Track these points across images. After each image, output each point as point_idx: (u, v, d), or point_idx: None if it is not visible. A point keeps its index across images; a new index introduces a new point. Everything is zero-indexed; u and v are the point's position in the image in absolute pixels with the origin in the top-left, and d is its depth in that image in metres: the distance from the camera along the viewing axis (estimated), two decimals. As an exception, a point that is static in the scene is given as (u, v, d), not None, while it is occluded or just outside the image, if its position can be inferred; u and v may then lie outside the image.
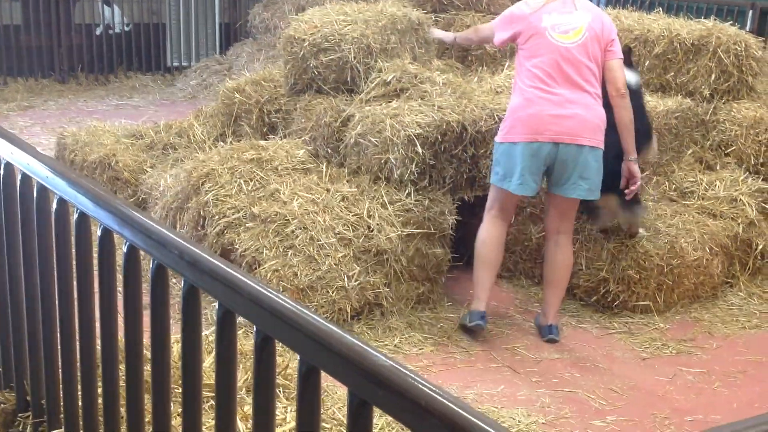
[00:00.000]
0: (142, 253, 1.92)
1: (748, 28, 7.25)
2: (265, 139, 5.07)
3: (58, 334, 2.33)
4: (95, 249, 2.09)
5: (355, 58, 4.98)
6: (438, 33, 5.16)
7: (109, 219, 1.88)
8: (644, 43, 5.34)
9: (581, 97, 3.86)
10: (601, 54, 3.91)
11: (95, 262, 2.10)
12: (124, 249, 1.89)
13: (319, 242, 4.02)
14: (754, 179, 4.90)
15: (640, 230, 4.40)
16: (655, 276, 4.33)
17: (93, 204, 1.93)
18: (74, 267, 2.18)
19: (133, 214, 1.84)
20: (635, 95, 4.11)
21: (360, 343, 1.39)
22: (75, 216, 2.12)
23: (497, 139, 4.02)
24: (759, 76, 5.39)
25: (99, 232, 2.02)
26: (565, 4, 3.92)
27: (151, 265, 1.83)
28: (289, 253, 3.95)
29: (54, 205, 2.21)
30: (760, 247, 4.74)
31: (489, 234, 4.10)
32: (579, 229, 4.50)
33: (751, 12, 7.44)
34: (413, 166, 4.38)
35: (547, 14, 3.89)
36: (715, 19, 5.53)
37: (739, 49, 5.15)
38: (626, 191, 4.05)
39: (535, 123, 3.85)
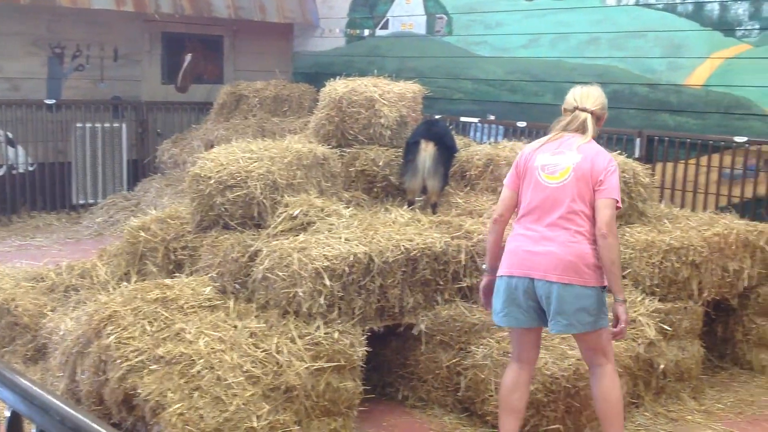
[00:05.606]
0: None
1: (636, 155, 7.67)
2: (171, 278, 5.01)
3: None
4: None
5: (261, 193, 5.05)
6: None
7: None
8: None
9: (559, 234, 3.85)
10: (590, 193, 3.88)
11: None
12: (6, 414, 1.81)
13: (227, 382, 3.93)
14: (651, 300, 5.08)
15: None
16: (562, 398, 4.37)
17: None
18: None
19: (13, 377, 1.78)
20: None
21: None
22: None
23: None
24: (648, 201, 5.68)
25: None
26: (560, 144, 3.99)
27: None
28: (195, 395, 3.84)
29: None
30: (661, 366, 4.86)
31: (508, 378, 4.07)
32: (487, 355, 4.55)
33: (638, 140, 7.88)
34: (321, 298, 4.40)
35: (540, 154, 3.99)
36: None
37: (627, 176, 5.45)
38: (614, 332, 3.92)
39: (510, 258, 3.95)
